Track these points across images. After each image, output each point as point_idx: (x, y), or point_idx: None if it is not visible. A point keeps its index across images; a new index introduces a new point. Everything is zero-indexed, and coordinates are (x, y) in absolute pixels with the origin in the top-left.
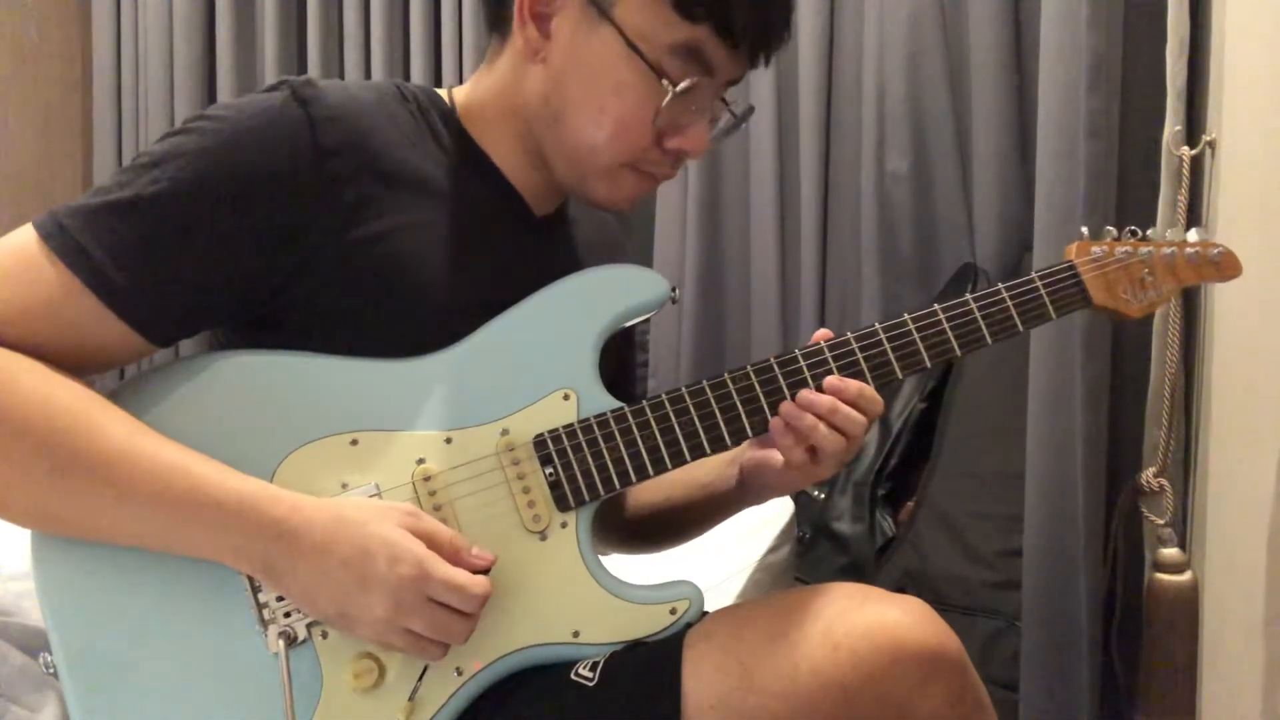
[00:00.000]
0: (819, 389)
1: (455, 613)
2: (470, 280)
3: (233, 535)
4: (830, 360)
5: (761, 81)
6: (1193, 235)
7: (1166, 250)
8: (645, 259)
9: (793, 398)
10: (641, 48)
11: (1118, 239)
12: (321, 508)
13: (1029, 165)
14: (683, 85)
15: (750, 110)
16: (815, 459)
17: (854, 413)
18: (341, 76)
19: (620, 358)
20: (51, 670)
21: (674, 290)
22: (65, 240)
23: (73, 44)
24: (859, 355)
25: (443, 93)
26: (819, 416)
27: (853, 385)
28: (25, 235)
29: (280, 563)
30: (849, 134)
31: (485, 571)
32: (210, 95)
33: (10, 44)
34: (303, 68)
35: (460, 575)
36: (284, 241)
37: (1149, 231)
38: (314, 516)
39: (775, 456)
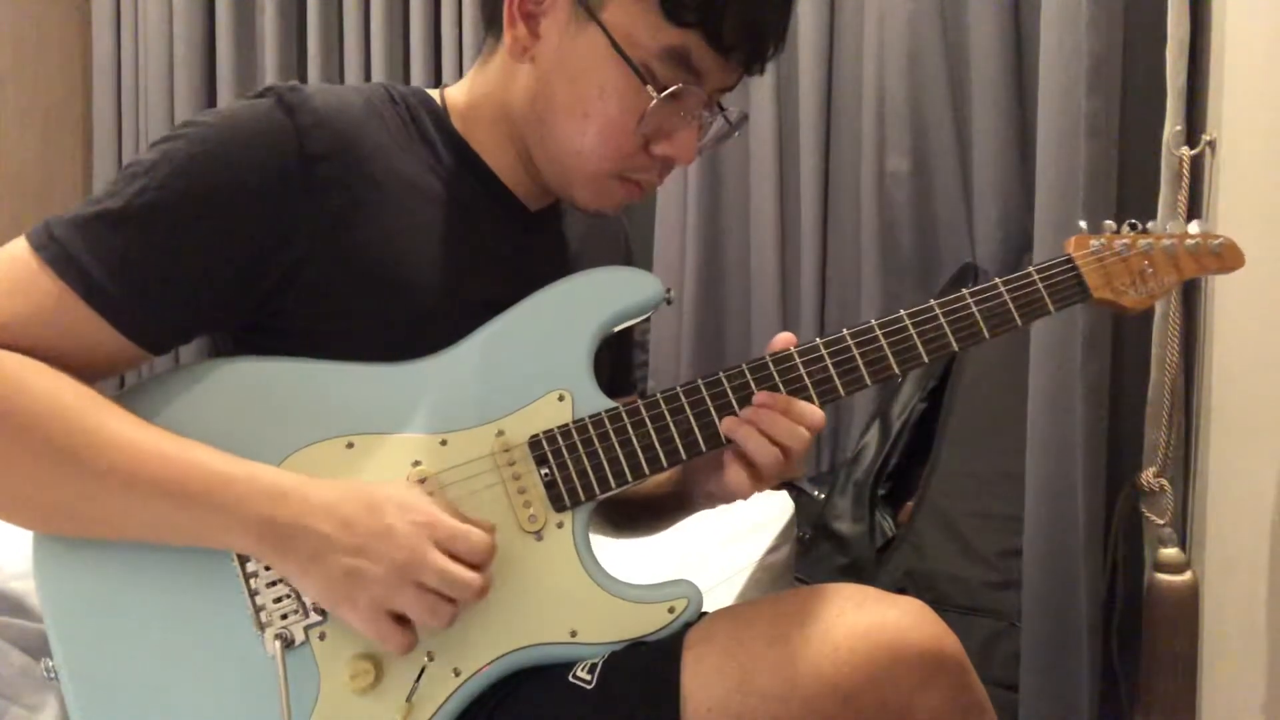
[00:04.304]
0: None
1: (465, 566)
2: (463, 280)
3: (237, 510)
4: (827, 358)
5: (761, 82)
6: (1193, 227)
7: (1167, 242)
8: (645, 259)
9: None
10: (628, 51)
11: (1117, 232)
12: (327, 480)
13: (1029, 165)
14: (668, 91)
15: (744, 117)
16: (754, 473)
17: (787, 422)
18: (341, 76)
19: (616, 358)
20: (53, 675)
21: (668, 292)
22: (58, 251)
23: (73, 44)
24: (855, 352)
25: (434, 93)
26: (756, 428)
27: (780, 398)
28: (18, 247)
29: (285, 529)
30: (849, 134)
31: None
32: (210, 95)
33: (10, 44)
34: (303, 68)
35: (464, 525)
36: (273, 248)
37: (1149, 225)
38: (320, 484)
39: (711, 464)
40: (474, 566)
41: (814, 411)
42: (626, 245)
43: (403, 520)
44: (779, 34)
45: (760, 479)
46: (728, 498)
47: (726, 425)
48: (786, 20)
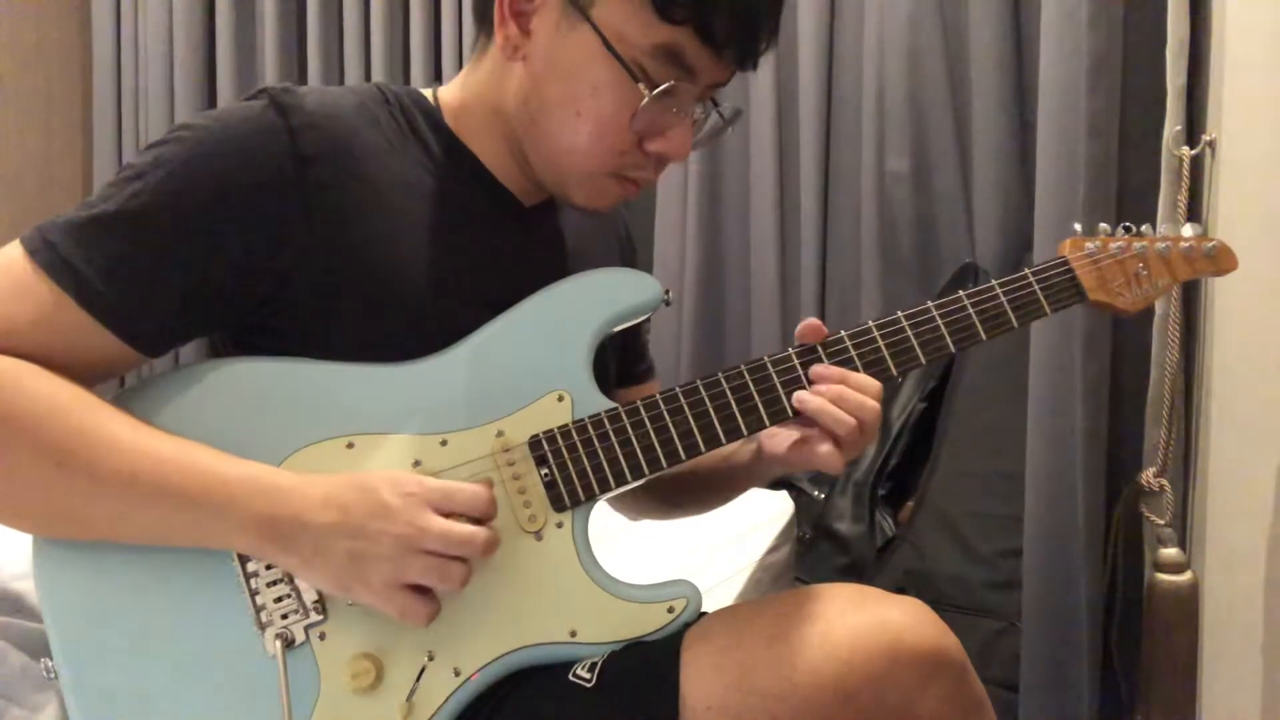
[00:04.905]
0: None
1: (468, 524)
2: (460, 278)
3: (237, 510)
4: (825, 359)
5: (761, 81)
6: (1187, 230)
7: (1160, 245)
8: (645, 259)
9: (787, 396)
10: (619, 48)
11: (1111, 235)
12: (324, 475)
13: (1029, 165)
14: (660, 88)
15: (738, 113)
16: (836, 443)
17: (854, 393)
18: (341, 77)
19: (625, 346)
20: (53, 675)
21: (667, 293)
22: (52, 256)
23: (73, 44)
24: (853, 353)
25: (427, 92)
26: (828, 399)
27: (835, 370)
28: (13, 252)
29: (286, 525)
30: (849, 134)
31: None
32: (210, 95)
33: (10, 44)
34: (303, 68)
35: (457, 483)
36: (268, 250)
37: (1143, 228)
38: (317, 479)
39: (788, 434)
40: (477, 523)
41: (871, 381)
42: (627, 238)
43: (396, 495)
44: (771, 29)
45: (842, 448)
46: (809, 468)
47: (798, 398)
48: (778, 15)
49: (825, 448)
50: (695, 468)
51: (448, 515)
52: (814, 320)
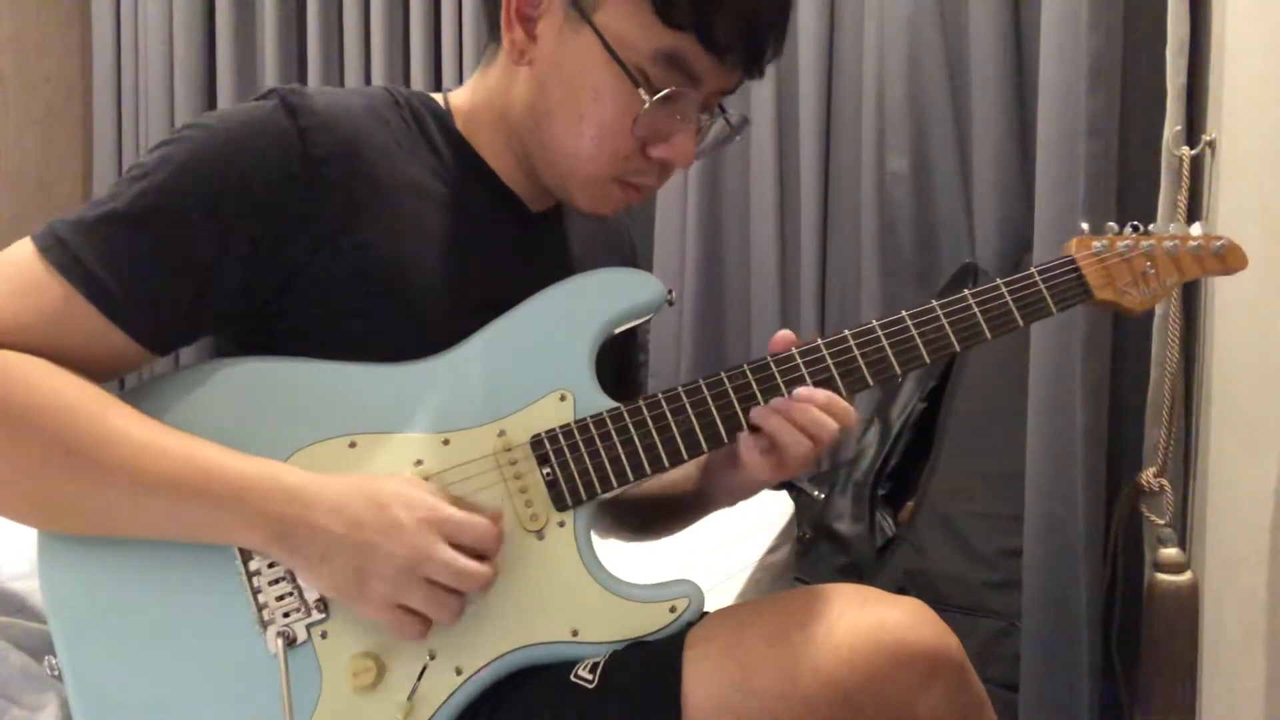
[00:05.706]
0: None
1: (471, 558)
2: (466, 281)
3: (246, 506)
4: (827, 358)
5: (761, 83)
6: (1196, 229)
7: (1169, 243)
8: (645, 259)
9: (787, 396)
10: (621, 53)
11: (1119, 234)
12: (333, 477)
13: (1029, 165)
14: (661, 94)
15: (745, 121)
16: (780, 460)
17: (821, 415)
18: (341, 78)
19: (621, 358)
20: (56, 673)
21: (670, 293)
22: (63, 253)
23: (73, 44)
24: (856, 353)
25: (438, 97)
26: (787, 418)
27: (820, 394)
28: (24, 249)
29: (295, 527)
30: (849, 134)
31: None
32: (210, 95)
33: (11, 43)
34: (303, 68)
35: (469, 515)
36: (275, 250)
37: (1150, 227)
38: (327, 481)
39: (736, 458)
40: (481, 556)
41: (845, 406)
42: (630, 245)
43: (409, 516)
44: (776, 36)
45: (784, 466)
46: (750, 489)
47: (755, 415)
48: (784, 22)
49: (757, 461)
50: (648, 493)
51: (454, 544)
52: (786, 332)
